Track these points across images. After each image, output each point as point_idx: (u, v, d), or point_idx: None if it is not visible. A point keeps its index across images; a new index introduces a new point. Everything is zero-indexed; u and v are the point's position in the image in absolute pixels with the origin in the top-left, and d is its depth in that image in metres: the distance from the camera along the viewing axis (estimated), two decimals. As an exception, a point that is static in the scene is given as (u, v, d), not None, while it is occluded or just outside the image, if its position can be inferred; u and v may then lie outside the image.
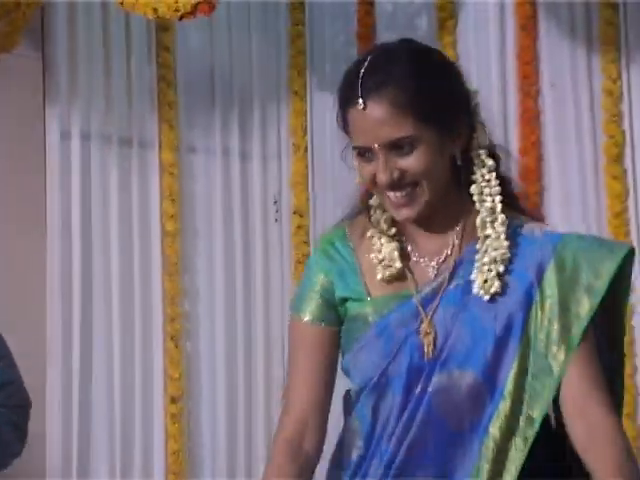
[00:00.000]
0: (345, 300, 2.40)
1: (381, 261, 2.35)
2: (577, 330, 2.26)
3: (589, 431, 2.23)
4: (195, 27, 5.61)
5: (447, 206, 2.35)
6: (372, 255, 2.37)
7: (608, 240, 2.52)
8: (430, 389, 2.30)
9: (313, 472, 2.47)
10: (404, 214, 2.29)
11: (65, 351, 5.43)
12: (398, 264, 2.35)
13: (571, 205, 5.49)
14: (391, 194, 2.29)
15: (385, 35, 5.86)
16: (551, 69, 5.65)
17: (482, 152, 2.30)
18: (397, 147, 2.25)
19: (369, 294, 2.36)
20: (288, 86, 6.01)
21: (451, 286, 2.31)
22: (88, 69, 5.57)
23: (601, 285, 2.26)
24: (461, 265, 2.32)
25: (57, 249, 5.47)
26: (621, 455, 2.23)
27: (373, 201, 2.39)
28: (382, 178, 2.26)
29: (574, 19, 5.65)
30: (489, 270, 2.28)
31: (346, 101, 2.28)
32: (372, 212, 2.41)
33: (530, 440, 2.23)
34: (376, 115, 2.23)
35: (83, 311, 5.42)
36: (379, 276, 2.35)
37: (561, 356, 2.24)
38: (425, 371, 2.31)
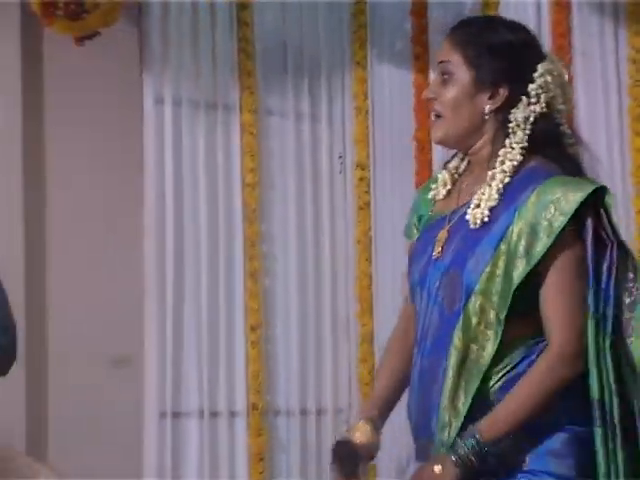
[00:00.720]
0: (421, 217, 2.71)
1: (437, 186, 2.65)
2: (539, 249, 2.40)
3: (545, 352, 2.40)
4: (271, 5, 5.87)
5: (493, 155, 2.52)
6: (438, 183, 2.67)
7: (588, 179, 2.55)
8: (439, 283, 2.51)
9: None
10: (432, 135, 2.64)
11: (159, 287, 5.70)
12: (444, 190, 2.63)
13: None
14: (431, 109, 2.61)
15: (435, 12, 6.11)
16: (582, 40, 5.74)
17: (513, 125, 2.47)
18: (442, 74, 2.55)
19: (431, 212, 2.66)
20: (351, 57, 6.17)
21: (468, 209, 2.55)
22: (179, 43, 5.81)
23: (568, 210, 2.38)
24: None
25: (153, 200, 5.74)
26: (533, 373, 2.40)
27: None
28: (425, 92, 2.62)
29: (603, -4, 5.83)
30: (479, 209, 2.48)
31: None
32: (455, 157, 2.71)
33: (499, 336, 2.40)
34: (444, 43, 2.56)
35: (175, 251, 5.69)
36: (431, 195, 2.67)
37: (520, 268, 2.40)
38: (438, 269, 2.53)
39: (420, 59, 6.14)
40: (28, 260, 5.53)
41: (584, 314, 2.42)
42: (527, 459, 2.43)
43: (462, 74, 2.51)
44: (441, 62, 2.56)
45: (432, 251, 2.59)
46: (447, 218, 2.60)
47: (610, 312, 2.41)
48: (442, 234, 2.57)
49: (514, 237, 2.44)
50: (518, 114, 2.48)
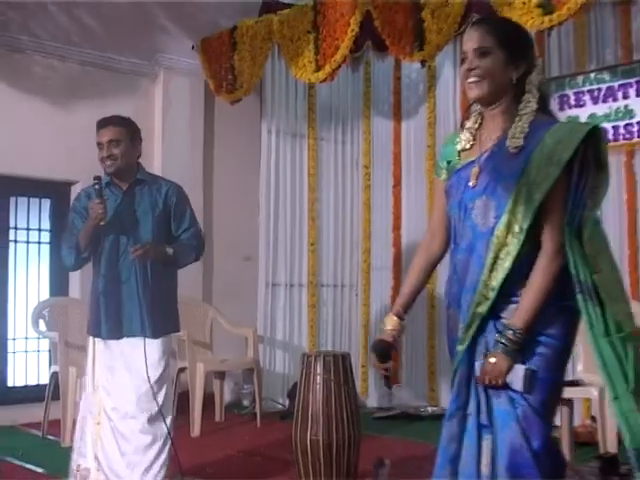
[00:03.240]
0: (449, 161, 2.48)
1: (462, 139, 2.44)
2: (553, 174, 2.22)
3: (540, 255, 2.29)
4: (325, 86, 6.77)
5: (508, 109, 2.37)
6: (461, 138, 2.45)
7: (585, 122, 2.27)
8: (472, 205, 2.35)
9: (436, 263, 2.55)
10: (473, 93, 2.36)
11: (267, 222, 6.71)
12: (468, 144, 2.43)
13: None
14: (469, 79, 2.36)
15: (405, 92, 6.86)
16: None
17: (532, 86, 2.35)
18: (479, 53, 2.35)
19: (460, 159, 2.44)
20: (363, 112, 7.20)
21: (494, 150, 2.36)
22: (279, 102, 6.93)
23: (562, 160, 2.23)
24: (501, 142, 2.35)
25: (264, 182, 6.87)
26: (536, 273, 2.27)
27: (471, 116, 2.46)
28: (466, 65, 2.36)
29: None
30: (515, 137, 2.31)
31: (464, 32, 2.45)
32: (466, 120, 2.48)
33: (521, 242, 2.25)
34: (474, 34, 2.37)
35: (274, 208, 6.78)
36: (459, 147, 2.45)
37: (538, 195, 2.23)
38: (470, 197, 2.35)
39: (397, 115, 7.01)
40: (205, 204, 6.56)
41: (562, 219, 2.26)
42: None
43: (496, 52, 2.34)
44: (478, 47, 2.35)
45: (467, 183, 2.38)
46: (476, 161, 2.38)
47: (580, 213, 2.27)
48: (475, 170, 2.37)
49: (533, 170, 2.25)
50: (533, 78, 2.35)
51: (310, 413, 4.22)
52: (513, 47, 2.36)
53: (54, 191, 6.56)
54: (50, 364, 6.05)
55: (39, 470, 4.83)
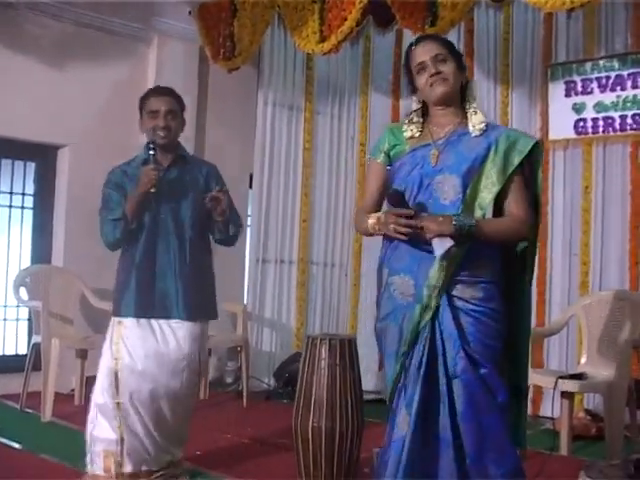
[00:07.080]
0: (395, 145, 2.78)
1: (411, 129, 2.78)
2: (507, 172, 2.60)
3: (509, 215, 2.67)
4: (322, 58, 6.52)
5: (456, 106, 2.74)
6: (409, 129, 2.79)
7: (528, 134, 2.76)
8: (433, 182, 2.64)
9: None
10: (439, 90, 2.68)
11: (259, 194, 6.56)
12: (417, 133, 2.76)
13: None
14: (433, 78, 2.68)
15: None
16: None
17: (471, 92, 2.76)
18: (438, 59, 2.68)
19: (407, 144, 2.76)
20: (361, 88, 6.95)
21: (451, 138, 2.70)
22: (277, 73, 6.77)
23: (525, 150, 2.64)
24: (456, 131, 2.71)
25: (260, 153, 6.65)
26: (514, 219, 2.65)
27: (413, 112, 2.81)
28: (432, 69, 2.67)
29: None
30: (475, 126, 2.69)
31: (410, 47, 2.76)
32: (411, 115, 2.82)
33: (488, 213, 2.63)
34: (429, 45, 2.72)
35: (268, 181, 6.66)
36: (408, 135, 2.78)
37: (494, 188, 2.60)
38: (430, 174, 2.65)
39: (395, 92, 6.79)
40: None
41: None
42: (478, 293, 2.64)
43: (451, 60, 2.71)
44: (437, 54, 2.69)
45: (424, 163, 2.68)
46: (432, 145, 2.70)
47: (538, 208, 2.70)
48: (433, 151, 2.69)
49: (491, 164, 2.62)
50: (473, 87, 2.77)
51: (313, 399, 4.06)
52: (460, 58, 2.74)
53: (40, 154, 6.36)
54: (30, 334, 5.90)
55: (15, 445, 4.64)
